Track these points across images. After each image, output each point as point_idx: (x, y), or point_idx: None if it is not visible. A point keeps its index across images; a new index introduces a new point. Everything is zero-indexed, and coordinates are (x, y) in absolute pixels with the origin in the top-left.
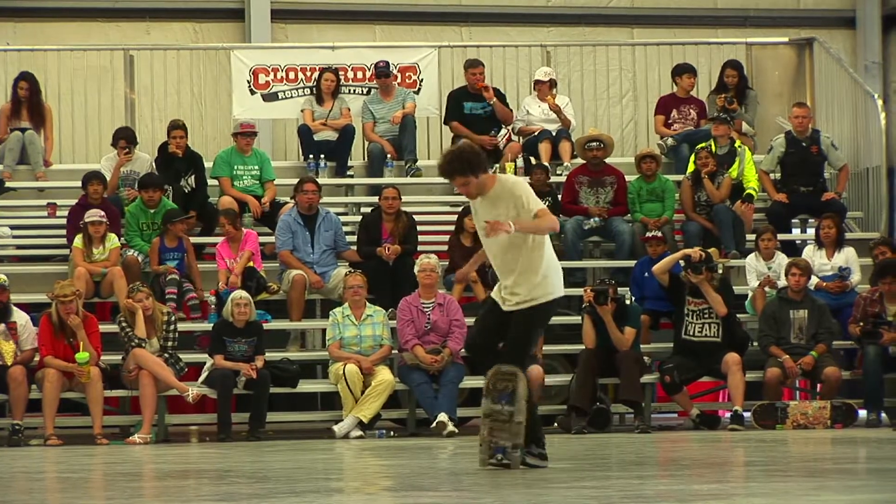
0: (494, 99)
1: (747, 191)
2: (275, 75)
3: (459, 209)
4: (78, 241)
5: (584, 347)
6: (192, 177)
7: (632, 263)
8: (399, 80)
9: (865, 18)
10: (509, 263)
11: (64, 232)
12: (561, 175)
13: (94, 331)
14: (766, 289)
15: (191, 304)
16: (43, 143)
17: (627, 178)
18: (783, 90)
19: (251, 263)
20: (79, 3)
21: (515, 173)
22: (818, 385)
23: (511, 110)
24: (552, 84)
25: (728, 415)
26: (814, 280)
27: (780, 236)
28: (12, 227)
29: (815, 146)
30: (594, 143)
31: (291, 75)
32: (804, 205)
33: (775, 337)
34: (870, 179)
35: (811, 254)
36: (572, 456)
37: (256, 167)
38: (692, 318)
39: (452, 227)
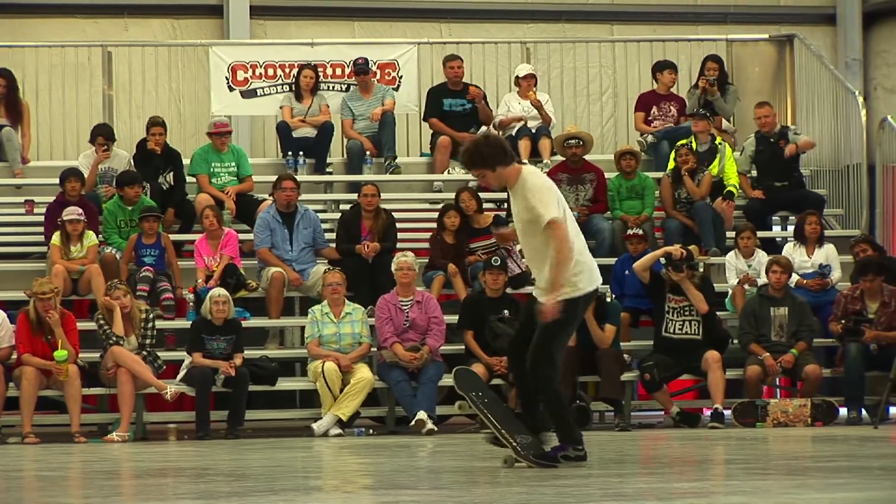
0: (482, 103)
1: (728, 188)
2: (253, 72)
3: (440, 206)
4: (56, 238)
5: None
6: (171, 174)
7: (612, 261)
8: (378, 76)
9: (846, 15)
10: (537, 258)
11: (41, 229)
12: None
13: (73, 328)
14: (746, 286)
15: (166, 303)
16: (20, 139)
17: (607, 175)
18: (763, 87)
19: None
20: None
21: None
22: (798, 383)
23: (492, 112)
24: (534, 80)
25: (709, 413)
26: (794, 277)
27: (760, 234)
28: None
29: (784, 141)
30: (573, 141)
31: (270, 72)
32: (781, 200)
33: (756, 334)
34: (850, 176)
35: (791, 251)
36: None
37: (233, 164)
38: (672, 316)
39: (432, 224)
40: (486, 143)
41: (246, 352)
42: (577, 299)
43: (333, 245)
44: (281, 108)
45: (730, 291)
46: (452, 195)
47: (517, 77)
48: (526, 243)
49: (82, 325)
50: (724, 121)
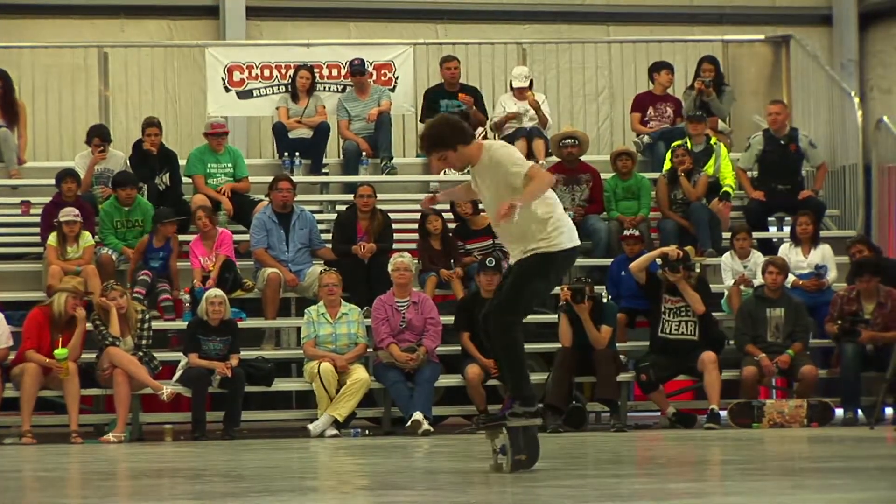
0: (474, 108)
1: (724, 188)
2: (249, 73)
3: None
4: (52, 239)
5: (560, 346)
6: (167, 174)
7: (608, 262)
8: (374, 77)
9: (842, 16)
10: (512, 233)
11: (38, 230)
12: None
13: (82, 327)
14: (742, 287)
15: (164, 304)
16: (17, 140)
17: (603, 175)
18: (759, 88)
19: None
20: (53, 0)
21: None
22: (794, 383)
23: (485, 115)
24: (529, 84)
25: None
26: (790, 278)
27: (757, 234)
28: None
29: (794, 144)
30: (569, 141)
31: (266, 73)
32: (781, 203)
33: (752, 335)
34: (846, 177)
35: (787, 252)
36: (548, 455)
37: (229, 164)
38: (669, 317)
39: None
40: (445, 123)
41: (242, 352)
42: (556, 254)
43: (330, 246)
44: (277, 108)
45: (726, 292)
46: None
47: (515, 86)
48: (497, 225)
49: None
50: (719, 121)
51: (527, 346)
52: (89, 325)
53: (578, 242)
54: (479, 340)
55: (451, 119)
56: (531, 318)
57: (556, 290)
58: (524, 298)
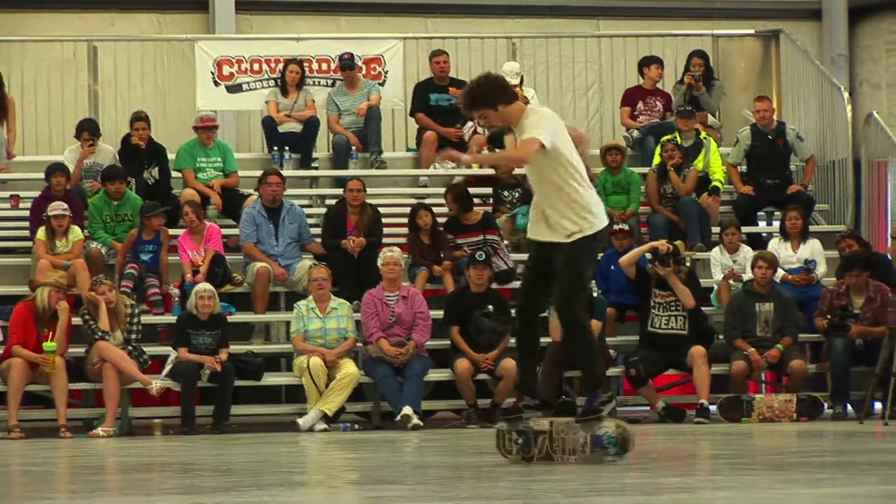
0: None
1: (713, 183)
2: (239, 67)
3: (423, 202)
4: (41, 233)
5: (550, 340)
6: (156, 168)
7: (598, 256)
8: (364, 71)
9: (832, 10)
10: (548, 194)
11: (27, 224)
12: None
13: (68, 321)
14: (731, 282)
15: (153, 298)
16: (6, 134)
17: (593, 170)
18: (749, 82)
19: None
20: None
21: (481, 166)
22: (784, 378)
23: None
24: (521, 81)
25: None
26: (779, 273)
27: (746, 229)
28: None
29: (781, 138)
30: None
31: (256, 67)
32: (770, 197)
33: (741, 330)
34: (836, 172)
35: (776, 246)
36: None
37: (219, 159)
38: (658, 311)
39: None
40: (486, 81)
41: (231, 347)
42: (594, 235)
43: (319, 240)
44: (266, 102)
45: (715, 287)
46: (439, 190)
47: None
48: (533, 184)
49: None
50: (709, 116)
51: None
52: (78, 320)
53: (605, 220)
54: (468, 335)
55: (493, 77)
56: None
57: None
58: (580, 289)
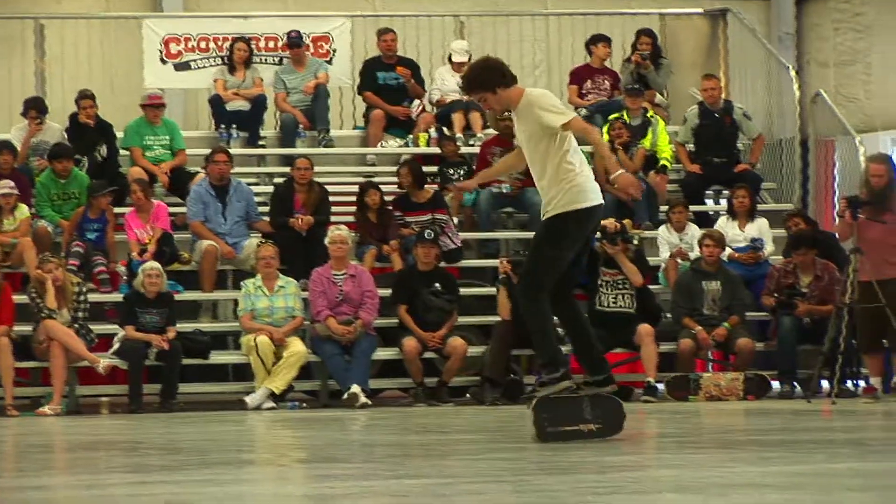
0: (411, 80)
1: (661, 162)
2: (186, 45)
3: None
4: None
5: (498, 319)
6: (104, 147)
7: None
8: (311, 49)
9: None
10: (537, 174)
11: None
12: (474, 146)
13: (8, 300)
14: (679, 260)
15: (100, 277)
16: None
17: None
18: (697, 61)
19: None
20: None
21: (429, 144)
22: (731, 356)
23: (423, 88)
24: (469, 59)
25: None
26: (727, 251)
27: (694, 207)
28: None
29: (729, 117)
30: (507, 114)
31: (203, 45)
32: (718, 176)
33: (688, 308)
34: (783, 151)
35: (724, 225)
36: (486, 427)
37: (166, 137)
38: (606, 290)
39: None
40: (485, 65)
41: (179, 325)
42: (577, 212)
43: (267, 218)
44: (214, 81)
45: (662, 265)
46: (386, 168)
47: (450, 54)
48: (535, 162)
49: (14, 298)
50: (657, 94)
51: (464, 318)
52: (25, 298)
53: (599, 201)
54: (416, 313)
55: (491, 61)
56: (468, 290)
57: (494, 262)
58: (541, 267)
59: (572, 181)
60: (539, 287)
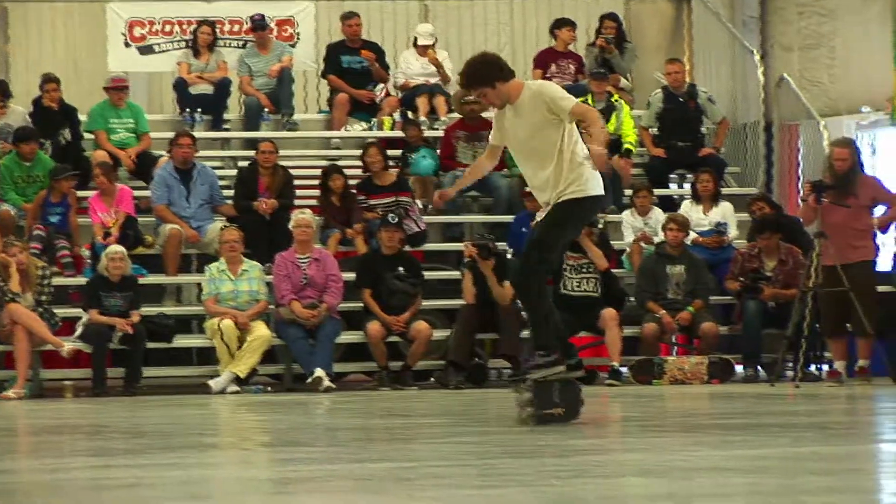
0: (375, 64)
1: (625, 145)
2: (150, 28)
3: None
4: None
5: (463, 302)
6: (68, 130)
7: (510, 218)
8: (276, 33)
9: None
10: (541, 164)
11: None
12: (438, 130)
13: None
14: (643, 244)
15: (64, 260)
16: None
17: None
18: (661, 45)
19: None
20: None
21: (393, 128)
22: (695, 340)
23: (387, 72)
24: (434, 43)
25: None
26: (691, 235)
27: (658, 191)
28: None
29: (693, 101)
30: (471, 98)
31: (167, 28)
32: (682, 160)
33: (653, 292)
34: (747, 135)
35: (688, 209)
36: (450, 411)
37: (131, 120)
38: (570, 274)
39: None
40: (483, 60)
41: (143, 309)
42: (583, 199)
43: (231, 202)
44: (178, 64)
45: (627, 249)
46: (350, 152)
47: (415, 37)
48: (538, 153)
49: None
50: (621, 78)
51: (429, 302)
52: None
53: (600, 189)
54: (380, 297)
55: (490, 56)
56: (432, 274)
57: (459, 246)
58: (545, 248)
59: (588, 168)
60: (544, 263)
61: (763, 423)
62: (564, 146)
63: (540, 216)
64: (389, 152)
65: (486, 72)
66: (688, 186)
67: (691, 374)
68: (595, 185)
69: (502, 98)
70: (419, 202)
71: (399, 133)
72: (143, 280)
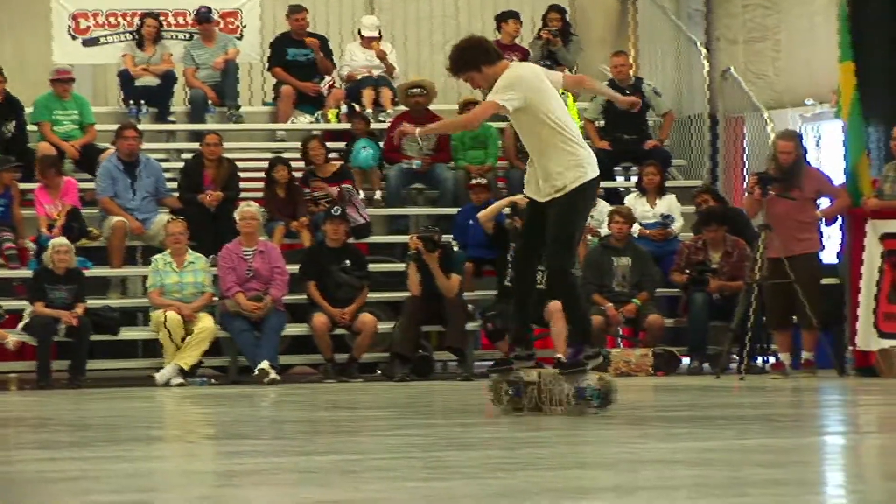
0: (320, 54)
1: None
2: (95, 20)
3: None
4: None
5: (408, 295)
6: (12, 122)
7: (455, 211)
8: (221, 25)
9: None
10: (533, 148)
11: None
12: (384, 122)
13: None
14: (588, 236)
15: (8, 253)
16: None
17: None
18: (607, 37)
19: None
20: None
21: (338, 120)
22: (641, 333)
23: (333, 63)
24: (379, 35)
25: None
26: (636, 227)
27: (603, 184)
28: None
29: (638, 93)
30: (416, 90)
31: (112, 20)
32: (627, 152)
33: (598, 285)
34: (692, 127)
35: (633, 201)
36: (396, 403)
37: (76, 112)
38: None
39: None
40: (468, 44)
41: (88, 301)
42: (583, 186)
43: (176, 194)
44: (123, 56)
45: None
46: (296, 144)
47: (361, 29)
48: (524, 138)
49: None
50: (566, 71)
51: (373, 294)
52: None
53: (596, 171)
54: (325, 290)
55: (475, 40)
56: (377, 266)
57: (404, 238)
58: (572, 243)
59: (568, 157)
60: (571, 262)
61: (708, 415)
62: (541, 134)
63: (531, 192)
64: (335, 145)
65: (471, 56)
66: (633, 179)
67: (637, 366)
68: (586, 173)
69: (490, 81)
70: (361, 193)
71: (345, 125)
72: (88, 272)
